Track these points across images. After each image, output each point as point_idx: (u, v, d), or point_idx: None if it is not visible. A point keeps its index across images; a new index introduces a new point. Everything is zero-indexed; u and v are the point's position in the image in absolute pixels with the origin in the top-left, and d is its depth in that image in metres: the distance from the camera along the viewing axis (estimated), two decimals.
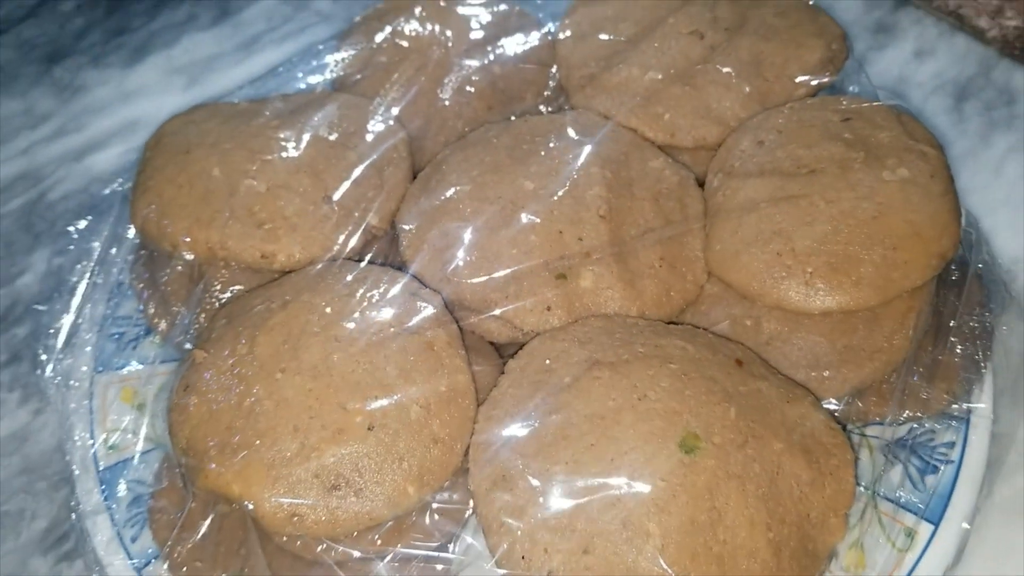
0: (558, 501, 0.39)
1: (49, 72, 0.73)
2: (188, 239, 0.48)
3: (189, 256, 0.48)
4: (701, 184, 0.52)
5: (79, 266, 0.56)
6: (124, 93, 0.71)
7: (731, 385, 0.43)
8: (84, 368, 0.53)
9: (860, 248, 0.45)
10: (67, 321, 0.54)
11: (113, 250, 0.56)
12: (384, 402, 0.42)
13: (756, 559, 0.39)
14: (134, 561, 0.46)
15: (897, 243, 0.45)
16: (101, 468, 0.49)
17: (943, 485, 0.46)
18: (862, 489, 0.46)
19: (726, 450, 0.40)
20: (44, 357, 0.53)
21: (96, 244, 0.57)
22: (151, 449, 0.50)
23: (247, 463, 0.41)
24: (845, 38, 0.56)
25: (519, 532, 0.40)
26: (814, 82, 0.53)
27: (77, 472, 0.49)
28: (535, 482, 0.40)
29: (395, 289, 0.46)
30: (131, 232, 0.57)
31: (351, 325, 0.44)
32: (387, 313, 0.45)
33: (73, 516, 0.48)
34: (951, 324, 0.48)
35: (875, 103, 0.51)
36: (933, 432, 0.48)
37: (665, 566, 0.38)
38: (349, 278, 0.47)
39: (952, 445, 0.47)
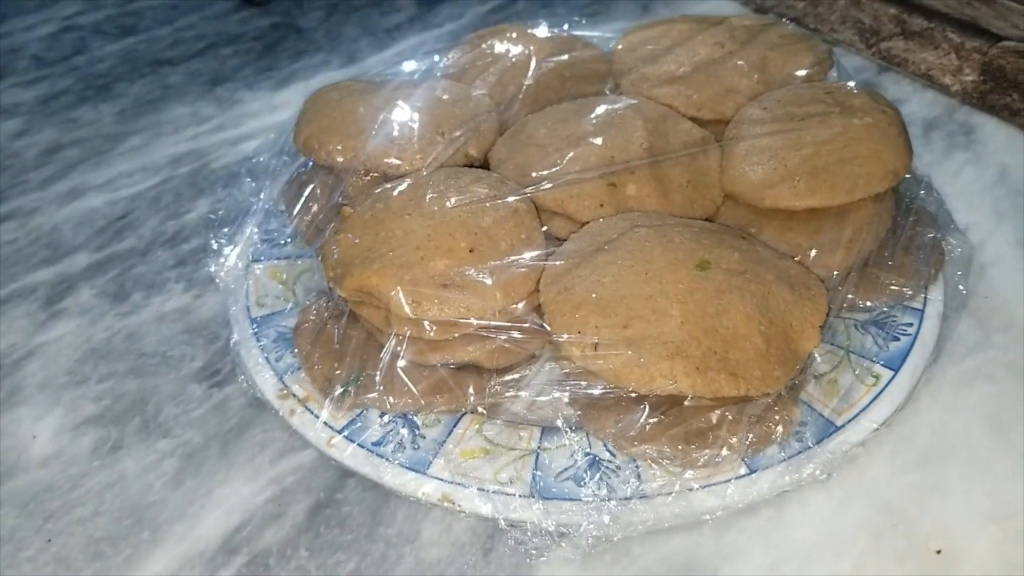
0: (605, 297, 0.54)
1: (212, 91, 0.93)
2: (340, 147, 0.65)
3: (339, 159, 0.65)
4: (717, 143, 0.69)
5: (243, 201, 0.74)
6: (271, 106, 0.91)
7: (736, 243, 0.58)
8: (242, 259, 0.69)
9: (835, 164, 0.61)
10: (231, 228, 0.71)
11: (266, 186, 0.73)
12: (481, 236, 0.58)
13: (750, 342, 0.52)
14: (277, 371, 0.60)
15: (862, 161, 0.61)
16: (253, 316, 0.65)
17: (903, 346, 0.60)
18: (839, 349, 0.60)
19: (730, 273, 0.55)
20: (215, 247, 0.69)
21: (247, 190, 0.75)
22: (292, 307, 0.66)
23: (383, 265, 0.56)
24: (831, 52, 0.74)
25: (576, 317, 0.54)
26: (806, 75, 0.71)
27: (235, 318, 0.64)
28: (589, 287, 0.55)
29: (489, 177, 0.63)
30: (277, 177, 0.74)
31: (458, 192, 0.60)
32: (484, 188, 0.61)
33: (232, 344, 0.63)
34: (908, 235, 0.63)
35: (851, 83, 0.69)
36: (896, 315, 0.62)
37: (683, 335, 0.52)
38: (455, 172, 0.63)
39: (910, 324, 0.61)
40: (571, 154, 0.64)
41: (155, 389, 0.63)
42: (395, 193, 0.61)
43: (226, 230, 0.71)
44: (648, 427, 0.52)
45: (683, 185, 0.64)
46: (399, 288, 0.55)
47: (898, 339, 0.61)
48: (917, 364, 0.59)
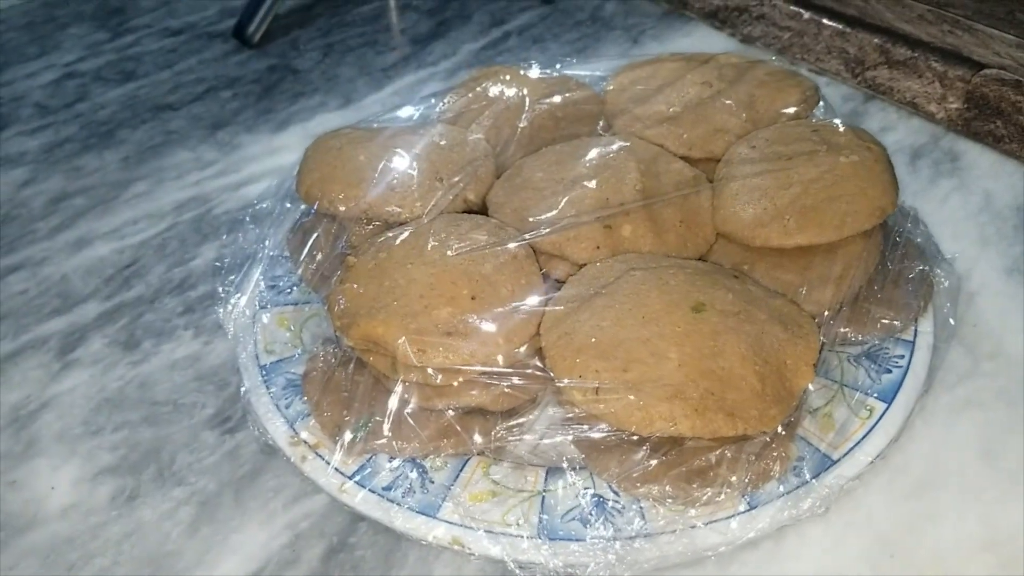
0: (605, 342, 0.56)
1: (213, 135, 0.95)
2: (342, 196, 0.67)
3: (342, 208, 0.67)
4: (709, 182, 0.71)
5: (247, 248, 0.75)
6: (271, 149, 0.93)
7: (729, 283, 0.60)
8: (250, 306, 0.71)
9: (823, 203, 0.62)
10: (236, 275, 0.73)
11: (270, 233, 0.75)
12: (482, 284, 0.59)
13: (746, 382, 0.54)
14: (288, 419, 0.62)
15: (849, 199, 0.63)
16: (262, 363, 0.66)
17: (895, 379, 0.62)
18: (832, 383, 0.62)
19: (725, 314, 0.57)
20: (223, 295, 0.71)
21: (257, 236, 0.76)
22: (300, 352, 0.67)
23: (388, 315, 0.58)
24: (817, 89, 0.76)
25: (577, 362, 0.56)
26: (792, 111, 0.73)
27: (244, 366, 0.66)
28: (588, 332, 0.57)
29: (488, 224, 0.65)
30: (280, 223, 0.76)
31: (459, 240, 0.62)
32: (484, 236, 0.63)
33: (242, 392, 0.64)
34: (899, 270, 0.65)
35: (836, 120, 0.71)
36: (888, 348, 0.64)
37: (681, 377, 0.54)
38: (454, 219, 0.65)
39: (901, 356, 0.63)
40: (567, 198, 0.66)
41: (169, 437, 0.65)
42: (397, 242, 0.63)
43: (233, 277, 0.72)
44: (650, 468, 0.54)
45: (676, 225, 0.66)
46: (404, 337, 0.57)
47: (890, 371, 0.62)
48: (909, 395, 0.61)
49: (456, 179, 0.70)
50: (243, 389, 0.65)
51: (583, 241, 0.64)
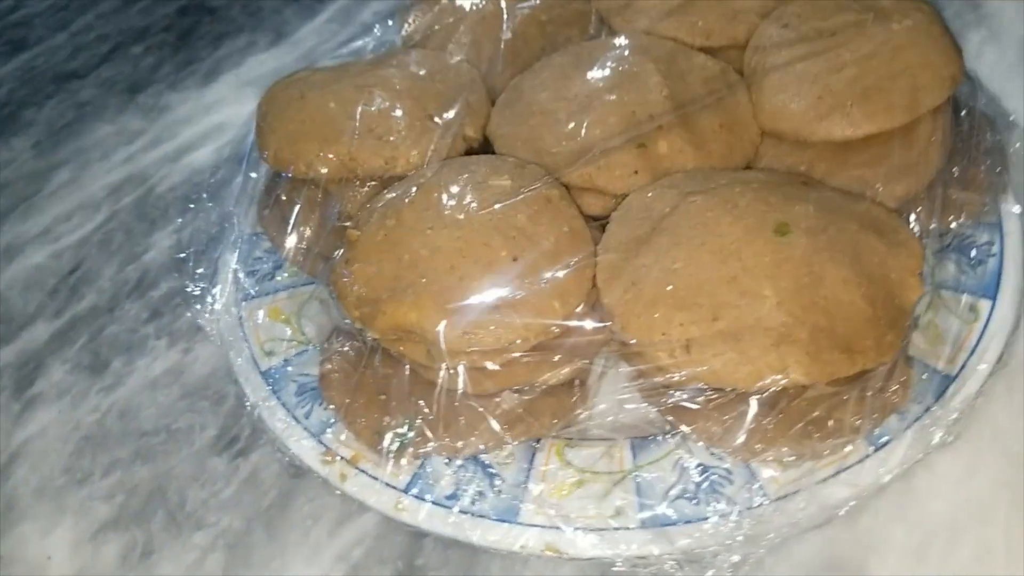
0: (683, 287, 0.47)
1: (133, 100, 0.82)
2: (320, 155, 0.56)
3: (323, 170, 0.56)
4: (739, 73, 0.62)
5: (204, 231, 0.64)
6: (204, 106, 0.80)
7: (803, 193, 0.51)
8: (231, 300, 0.60)
9: (886, 80, 0.54)
10: (205, 267, 0.62)
11: (237, 210, 0.64)
12: (521, 239, 0.50)
13: (855, 308, 0.46)
14: (311, 431, 0.53)
15: (916, 72, 0.54)
16: (263, 369, 0.56)
17: (992, 270, 0.55)
18: (927, 287, 0.55)
19: (813, 232, 0.48)
20: (195, 293, 0.60)
21: (214, 211, 0.65)
22: (303, 349, 0.57)
23: (418, 296, 0.48)
24: None
25: (656, 316, 0.47)
26: None
27: (241, 378, 0.56)
28: (660, 278, 0.48)
29: (506, 165, 0.54)
30: (246, 195, 0.64)
31: (479, 191, 0.52)
32: (506, 180, 0.53)
33: (248, 407, 0.54)
34: (971, 143, 0.57)
35: None
36: (973, 235, 0.57)
37: (784, 317, 0.45)
38: (464, 164, 0.55)
39: (991, 243, 0.56)
40: (587, 119, 0.56)
41: (171, 472, 0.55)
42: (405, 204, 0.52)
43: (201, 269, 0.61)
44: (768, 428, 0.46)
45: (716, 131, 0.57)
46: (445, 320, 0.47)
47: (984, 262, 0.55)
48: (1013, 287, 0.54)
49: (449, 114, 0.59)
50: (248, 403, 0.55)
51: (617, 168, 0.55)
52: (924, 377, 0.50)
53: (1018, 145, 0.58)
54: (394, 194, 0.54)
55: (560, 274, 0.49)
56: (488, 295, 0.48)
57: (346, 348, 0.54)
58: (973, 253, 0.56)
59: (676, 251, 0.48)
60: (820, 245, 0.48)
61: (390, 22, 0.70)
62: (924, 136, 0.55)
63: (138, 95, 0.83)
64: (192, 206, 0.65)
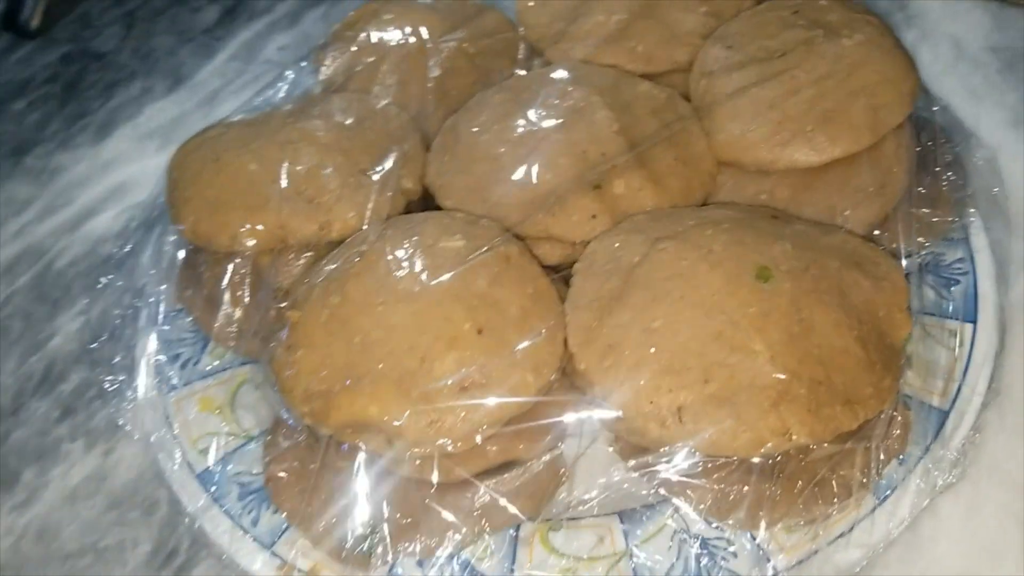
0: (667, 348, 0.43)
1: (20, 163, 0.74)
2: (247, 226, 0.50)
3: (251, 242, 0.50)
4: (684, 98, 0.58)
5: (115, 312, 0.57)
6: (101, 164, 0.72)
7: (776, 229, 0.48)
8: (153, 393, 0.54)
9: (845, 101, 0.51)
10: (122, 356, 0.55)
11: (151, 286, 0.57)
12: (484, 308, 0.45)
13: (850, 354, 0.43)
14: (261, 541, 0.47)
15: (874, 90, 0.52)
16: (199, 472, 0.50)
17: (967, 290, 0.52)
18: None
19: (795, 274, 0.45)
20: (111, 389, 0.53)
21: (124, 289, 0.58)
22: (241, 445, 0.51)
23: (376, 386, 0.43)
24: None
25: (641, 383, 0.43)
26: None
27: (176, 485, 0.50)
28: (640, 341, 0.44)
29: (456, 222, 0.50)
30: (161, 270, 0.58)
31: (430, 256, 0.47)
32: (459, 240, 0.48)
33: (186, 520, 0.48)
34: (932, 158, 0.55)
35: None
36: (943, 254, 0.54)
37: (780, 373, 0.42)
38: (410, 224, 0.50)
39: (963, 259, 0.54)
40: (536, 163, 0.52)
41: None
42: (350, 277, 0.47)
43: (117, 358, 0.55)
44: (776, 496, 0.42)
45: (672, 165, 0.53)
46: (409, 410, 0.42)
47: (958, 281, 0.53)
48: (992, 305, 0.52)
49: (384, 166, 0.54)
50: (187, 514, 0.49)
51: (574, 213, 0.51)
52: (916, 411, 0.47)
53: (978, 158, 0.56)
54: (335, 265, 0.48)
55: (530, 343, 0.45)
56: (455, 376, 0.43)
57: (293, 444, 0.48)
58: (947, 273, 0.53)
59: (654, 308, 0.45)
60: (805, 287, 0.44)
61: (303, 63, 0.64)
62: (888, 155, 0.53)
63: (24, 157, 0.74)
64: (101, 282, 0.58)
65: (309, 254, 0.51)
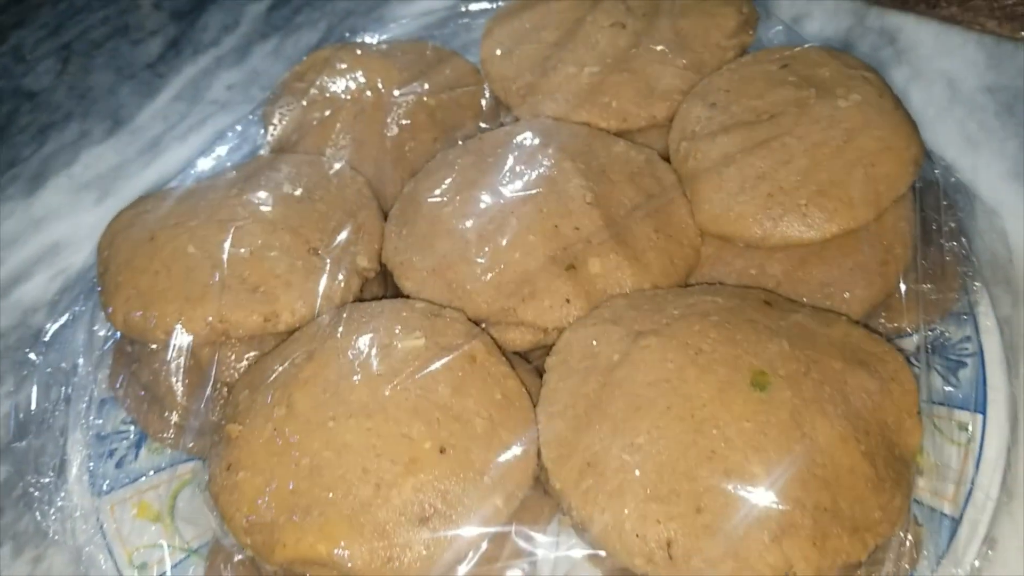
0: (653, 470, 0.39)
1: None
2: (183, 319, 0.45)
3: (188, 337, 0.45)
4: (664, 159, 0.53)
5: (46, 398, 0.52)
6: (33, 221, 0.67)
7: (772, 322, 0.43)
8: (85, 496, 0.48)
9: (842, 172, 0.47)
10: (50, 454, 0.50)
11: (81, 375, 0.52)
12: (446, 422, 0.40)
13: (857, 473, 0.39)
14: None
15: (873, 159, 0.47)
16: None
17: (974, 376, 0.48)
18: None
19: (795, 379, 0.40)
20: (37, 494, 0.48)
21: (55, 371, 0.53)
22: (184, 559, 0.46)
23: (325, 519, 0.38)
24: (750, 2, 0.59)
25: (625, 512, 0.38)
26: (737, 42, 0.56)
27: None
28: (623, 459, 0.39)
29: (416, 315, 0.45)
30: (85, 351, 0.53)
31: (388, 358, 0.42)
32: (419, 338, 0.43)
33: None
34: (934, 228, 0.51)
35: (805, 46, 0.54)
36: (947, 332, 0.50)
37: (781, 501, 0.37)
38: (365, 317, 0.45)
39: (968, 339, 0.50)
40: (503, 240, 0.47)
41: None
42: (297, 384, 0.42)
43: (44, 457, 0.49)
44: None
45: (652, 238, 0.49)
46: (360, 547, 0.37)
47: (964, 363, 0.49)
48: (1003, 395, 0.47)
49: (337, 241, 0.49)
50: None
51: (546, 298, 0.46)
52: (924, 520, 0.43)
53: (983, 224, 0.52)
54: (281, 367, 0.43)
55: (499, 462, 0.40)
56: (414, 505, 0.38)
57: (237, 562, 0.43)
58: (952, 354, 0.49)
59: (637, 420, 0.40)
60: (807, 395, 0.40)
61: (251, 116, 0.59)
62: (889, 230, 0.49)
63: None
64: (31, 360, 0.53)
65: (253, 353, 0.46)
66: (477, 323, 0.46)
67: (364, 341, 0.43)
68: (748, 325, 0.43)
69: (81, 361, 0.52)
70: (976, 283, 0.51)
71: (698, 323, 0.43)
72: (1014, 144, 0.62)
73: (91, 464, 0.50)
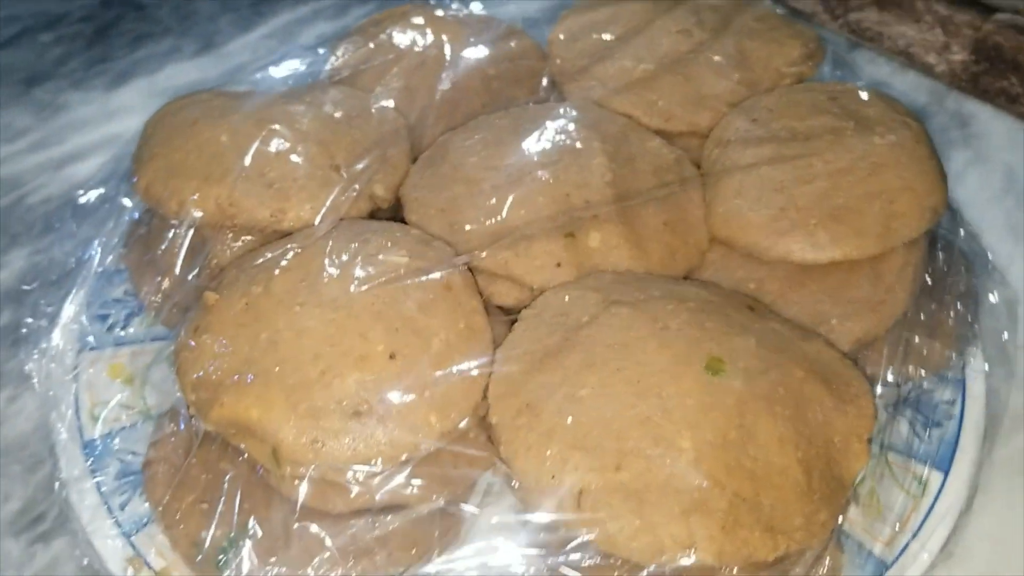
0: (586, 422, 0.39)
1: (28, 93, 0.72)
2: (197, 196, 0.47)
3: (198, 213, 0.47)
4: (696, 165, 0.54)
5: (63, 256, 0.55)
6: (106, 112, 0.71)
7: (747, 322, 0.43)
8: (69, 347, 0.51)
9: (859, 201, 0.47)
10: (49, 305, 0.53)
11: (101, 240, 0.55)
12: (404, 333, 0.41)
13: (787, 476, 0.38)
14: (123, 527, 0.43)
15: (893, 196, 0.47)
16: (86, 439, 0.47)
17: (948, 437, 0.47)
18: (874, 446, 0.47)
19: (751, 374, 0.40)
20: (25, 332, 0.51)
21: (79, 238, 0.56)
22: (141, 420, 0.48)
23: (266, 388, 0.39)
24: (821, 41, 0.59)
25: (548, 453, 0.39)
26: (796, 71, 0.56)
27: (61, 443, 0.47)
28: (561, 406, 0.40)
29: (408, 238, 0.46)
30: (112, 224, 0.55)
31: (369, 265, 0.43)
32: (403, 255, 0.44)
33: (56, 485, 0.45)
34: (943, 285, 0.50)
35: (858, 83, 0.55)
36: (933, 390, 0.49)
37: (701, 479, 0.37)
38: (360, 228, 0.47)
39: (952, 402, 0.48)
40: (513, 195, 0.48)
41: None
42: (278, 270, 0.43)
43: (45, 303, 0.52)
44: None
45: (660, 229, 0.49)
46: (292, 422, 0.38)
47: (941, 424, 0.48)
48: (970, 461, 0.46)
49: (359, 166, 0.51)
50: (59, 478, 0.45)
51: (538, 256, 0.47)
52: (853, 556, 0.42)
53: (994, 296, 0.51)
54: (271, 254, 0.45)
55: (444, 382, 0.41)
56: (351, 398, 0.39)
57: (181, 431, 0.44)
58: (931, 413, 0.48)
59: (586, 374, 0.40)
60: (757, 391, 0.40)
61: (320, 51, 0.62)
62: (893, 270, 0.48)
63: (35, 89, 0.73)
64: (58, 226, 0.56)
65: (249, 238, 0.48)
66: (469, 266, 0.47)
67: (352, 247, 0.44)
68: (722, 318, 0.43)
69: (105, 231, 0.55)
70: (974, 349, 0.50)
71: (674, 304, 0.43)
72: None
73: (84, 319, 0.52)
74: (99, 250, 0.54)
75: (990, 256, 0.56)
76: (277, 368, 0.40)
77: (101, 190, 0.56)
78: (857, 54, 0.77)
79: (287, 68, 0.61)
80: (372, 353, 0.40)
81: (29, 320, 0.52)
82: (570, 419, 0.39)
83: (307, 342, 0.40)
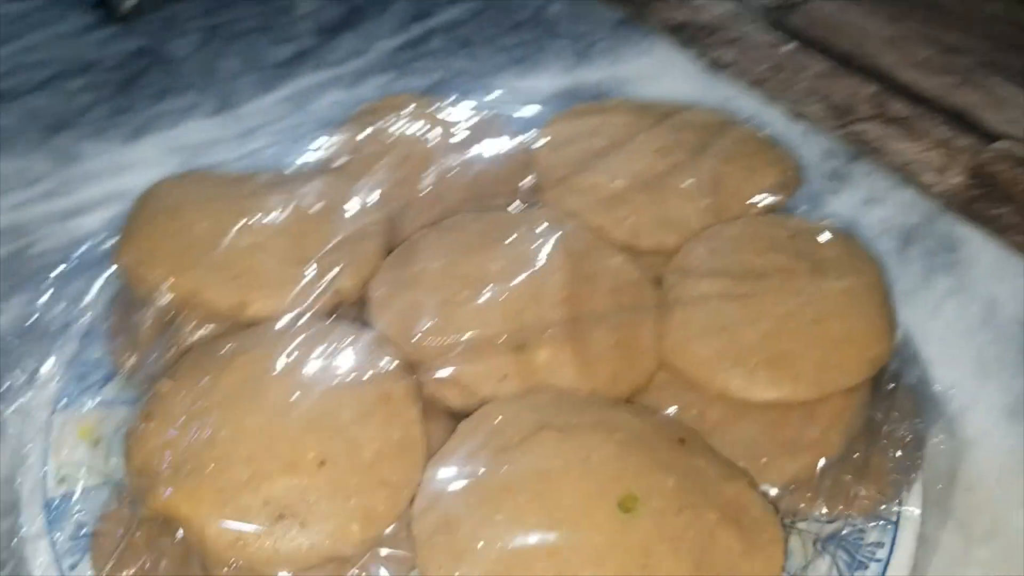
0: (496, 548, 0.40)
1: (49, 140, 0.76)
2: (168, 282, 0.50)
3: (168, 298, 0.50)
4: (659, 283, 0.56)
5: (53, 311, 0.58)
6: (119, 165, 0.74)
7: (672, 459, 0.45)
8: (45, 405, 0.54)
9: (800, 347, 0.48)
10: (32, 360, 0.56)
11: (88, 298, 0.58)
12: (337, 441, 0.43)
13: None
14: None
15: (834, 346, 0.48)
16: (48, 496, 0.49)
17: None
18: None
19: (663, 514, 0.42)
20: (4, 389, 0.54)
21: (71, 294, 0.59)
22: (101, 484, 0.51)
23: (198, 486, 0.42)
24: (799, 168, 0.61)
25: (457, 574, 0.40)
26: (766, 201, 0.58)
27: (24, 498, 0.49)
28: (476, 529, 0.41)
29: (359, 343, 0.48)
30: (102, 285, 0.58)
31: (313, 370, 0.46)
32: (348, 363, 0.46)
33: (15, 541, 0.48)
34: (884, 429, 0.51)
35: (821, 222, 0.56)
36: (862, 531, 0.50)
37: None
38: (314, 330, 0.49)
39: (880, 545, 0.49)
40: (469, 307, 0.50)
41: None
42: (227, 367, 0.46)
43: (29, 357, 0.55)
44: None
45: (609, 349, 0.51)
46: (216, 519, 0.41)
47: (865, 567, 0.48)
48: None
49: (328, 260, 0.53)
50: (19, 532, 0.48)
51: (486, 368, 0.49)
52: None
53: (938, 441, 0.52)
54: (225, 348, 0.48)
55: (370, 491, 0.43)
56: (277, 502, 0.41)
57: (127, 506, 0.47)
58: (857, 553, 0.49)
59: (504, 498, 0.42)
60: (665, 532, 0.41)
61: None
62: (829, 415, 0.49)
63: (57, 134, 0.77)
64: (48, 279, 0.59)
65: (213, 325, 0.51)
66: (421, 369, 0.49)
67: (300, 349, 0.47)
68: (647, 453, 0.44)
69: (93, 289, 0.58)
70: (910, 498, 0.50)
71: (602, 434, 0.45)
72: (1022, 383, 0.61)
73: (63, 377, 0.55)
74: (87, 309, 0.57)
75: (952, 393, 0.57)
76: (212, 465, 0.42)
77: (101, 246, 0.59)
78: (856, 166, 0.78)
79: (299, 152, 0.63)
80: (302, 460, 0.42)
81: (17, 371, 0.54)
82: (481, 544, 0.41)
83: (242, 444, 0.43)
